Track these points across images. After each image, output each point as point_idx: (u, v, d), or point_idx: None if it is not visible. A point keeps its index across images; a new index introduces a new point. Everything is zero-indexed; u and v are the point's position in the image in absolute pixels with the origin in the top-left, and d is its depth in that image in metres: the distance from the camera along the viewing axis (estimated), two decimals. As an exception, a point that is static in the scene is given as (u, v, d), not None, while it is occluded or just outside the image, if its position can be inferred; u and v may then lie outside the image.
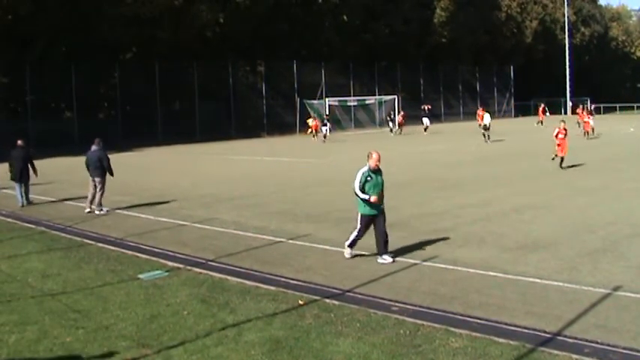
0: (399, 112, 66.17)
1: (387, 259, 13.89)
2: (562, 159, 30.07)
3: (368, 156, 14.07)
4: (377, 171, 14.04)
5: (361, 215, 13.98)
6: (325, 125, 57.18)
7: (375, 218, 13.98)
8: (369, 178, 13.82)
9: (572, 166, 30.12)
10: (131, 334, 9.88)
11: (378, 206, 13.90)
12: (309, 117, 60.93)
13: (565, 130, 30.56)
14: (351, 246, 14.27)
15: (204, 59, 63.89)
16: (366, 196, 13.71)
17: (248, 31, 66.76)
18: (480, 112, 56.08)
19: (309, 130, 58.17)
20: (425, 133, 61.00)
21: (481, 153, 39.91)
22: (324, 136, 55.56)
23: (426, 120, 63.87)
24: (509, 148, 43.41)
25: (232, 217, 20.06)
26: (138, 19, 57.42)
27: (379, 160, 14.01)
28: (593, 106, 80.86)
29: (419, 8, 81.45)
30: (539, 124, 68.19)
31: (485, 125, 48.41)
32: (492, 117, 54.27)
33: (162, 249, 15.84)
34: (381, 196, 13.98)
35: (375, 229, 14.05)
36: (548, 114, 72.42)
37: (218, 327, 10.06)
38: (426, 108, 67.01)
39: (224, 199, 24.09)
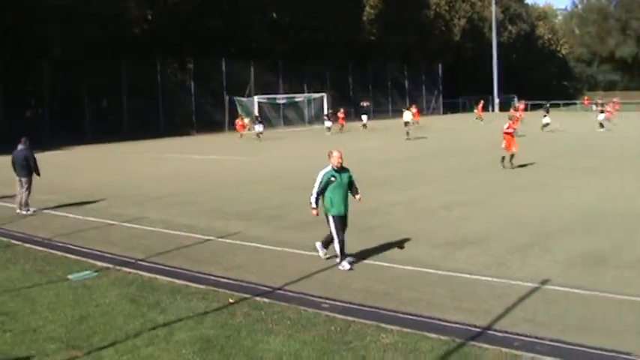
0: (334, 111, 65.41)
1: (345, 265, 13.15)
2: (512, 156, 28.94)
3: (329, 155, 13.62)
4: (341, 169, 13.57)
5: (332, 217, 13.28)
6: (261, 124, 56.09)
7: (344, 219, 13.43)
8: (332, 178, 13.31)
9: (519, 164, 30.47)
10: (60, 336, 9.77)
11: (345, 206, 13.39)
12: (241, 117, 60.61)
13: (513, 127, 30.09)
14: (342, 255, 13.26)
15: (132, 57, 63.19)
16: (314, 205, 13.35)
17: (177, 28, 66.18)
18: (413, 109, 56.46)
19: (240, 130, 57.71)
20: (365, 130, 61.38)
21: (411, 150, 40.24)
22: (258, 135, 54.57)
23: (364, 117, 64.44)
24: (439, 145, 43.89)
25: (162, 215, 19.94)
26: (66, 16, 56.45)
27: (341, 158, 13.52)
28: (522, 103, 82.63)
29: (348, 6, 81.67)
30: (478, 119, 69.56)
31: (406, 122, 49.37)
32: (421, 114, 54.76)
33: (90, 249, 15.65)
34: (345, 199, 13.44)
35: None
36: (476, 111, 73.57)
37: (148, 327, 10.02)
38: (365, 104, 67.23)
39: (153, 197, 23.92)
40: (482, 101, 77.17)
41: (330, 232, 13.37)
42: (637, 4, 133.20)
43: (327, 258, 13.76)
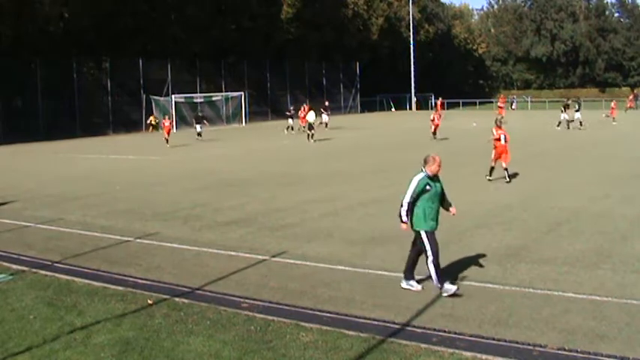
0: (296, 108, 62.78)
1: (413, 285, 11.67)
2: (505, 169, 24.69)
3: (426, 161, 11.68)
4: (436, 178, 11.72)
5: (425, 232, 11.47)
6: (200, 123, 52.18)
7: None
8: (428, 187, 11.47)
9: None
10: (-26, 342, 9.58)
11: (436, 219, 11.64)
12: (165, 119, 56.91)
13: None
14: (441, 281, 11.27)
15: (47, 55, 61.98)
16: (405, 218, 11.59)
17: (92, 26, 65.24)
18: (305, 108, 55.78)
19: (162, 131, 50.38)
20: (326, 129, 59.36)
21: (326, 149, 40.45)
22: (199, 134, 51.44)
23: (325, 116, 63.04)
24: (356, 142, 44.18)
25: (78, 217, 19.68)
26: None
27: (440, 165, 11.63)
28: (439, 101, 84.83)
29: (265, 4, 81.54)
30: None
31: (310, 124, 47.51)
32: (340, 113, 54.12)
33: (5, 252, 15.35)
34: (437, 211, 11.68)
35: (415, 247, 11.83)
36: (393, 109, 74.56)
37: (66, 330, 9.90)
38: (326, 104, 66.41)
39: (69, 198, 23.57)
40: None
41: (424, 251, 11.47)
42: (551, 6, 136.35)
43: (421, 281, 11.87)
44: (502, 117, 56.78)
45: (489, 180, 24.54)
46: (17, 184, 28.33)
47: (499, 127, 25.32)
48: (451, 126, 52.56)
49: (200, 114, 56.21)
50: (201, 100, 72.57)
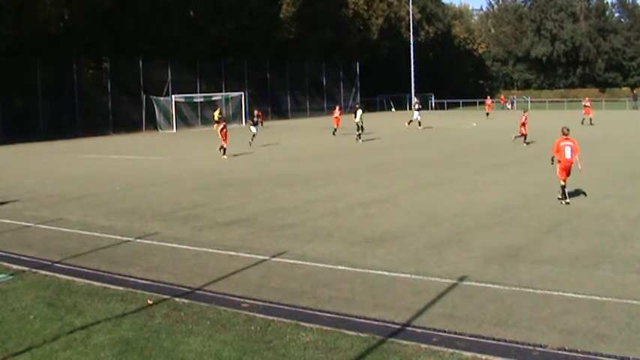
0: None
1: None
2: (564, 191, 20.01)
3: None
4: None
5: None
6: (255, 125, 45.71)
7: None
8: None
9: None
10: (-26, 342, 9.58)
11: None
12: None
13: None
14: None
15: (47, 55, 61.94)
16: None
17: (93, 26, 65.20)
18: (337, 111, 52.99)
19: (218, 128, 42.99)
20: (420, 128, 56.62)
21: (326, 148, 40.46)
22: (253, 137, 44.27)
23: (416, 114, 59.32)
24: (356, 142, 44.16)
25: (78, 217, 19.66)
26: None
27: None
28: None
29: (265, 4, 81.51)
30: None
31: (358, 125, 45.48)
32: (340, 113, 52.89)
33: (5, 252, 15.34)
34: None
35: None
36: (393, 109, 74.02)
37: (66, 330, 9.89)
38: (418, 103, 64.74)
39: (70, 198, 23.55)
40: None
41: None
42: (551, 6, 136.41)
43: None
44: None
45: (567, 204, 19.37)
46: (18, 184, 28.30)
47: (566, 137, 20.00)
48: (451, 126, 52.49)
49: (255, 118, 46.36)
50: (202, 100, 72.52)
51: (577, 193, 20.95)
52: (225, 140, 36.01)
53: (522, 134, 39.08)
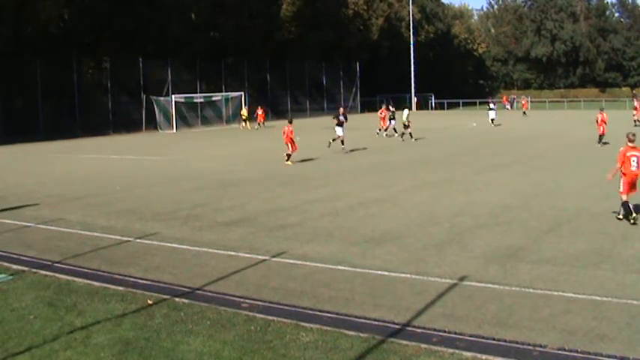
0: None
1: None
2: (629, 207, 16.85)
3: None
4: None
5: None
6: (341, 125, 40.46)
7: None
8: None
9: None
10: (-26, 342, 9.57)
11: None
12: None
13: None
14: None
15: (47, 55, 61.95)
16: None
17: (93, 26, 65.23)
18: (383, 112, 51.76)
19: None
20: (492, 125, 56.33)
21: (326, 148, 40.41)
22: (340, 139, 39.36)
23: (492, 113, 59.49)
24: (356, 142, 44.15)
25: (78, 217, 19.66)
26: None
27: None
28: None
29: (265, 3, 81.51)
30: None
31: (404, 124, 45.30)
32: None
33: (5, 252, 15.33)
34: None
35: None
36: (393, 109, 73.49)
37: (66, 330, 9.89)
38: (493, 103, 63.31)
39: (70, 199, 23.55)
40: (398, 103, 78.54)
41: None
42: (551, 6, 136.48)
43: None
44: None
45: (634, 222, 16.43)
46: (18, 184, 28.32)
47: (633, 147, 17.44)
48: (451, 126, 52.49)
49: (341, 117, 40.13)
50: (202, 100, 72.58)
51: (576, 193, 20.96)
52: (293, 147, 32.61)
53: (600, 134, 37.80)
